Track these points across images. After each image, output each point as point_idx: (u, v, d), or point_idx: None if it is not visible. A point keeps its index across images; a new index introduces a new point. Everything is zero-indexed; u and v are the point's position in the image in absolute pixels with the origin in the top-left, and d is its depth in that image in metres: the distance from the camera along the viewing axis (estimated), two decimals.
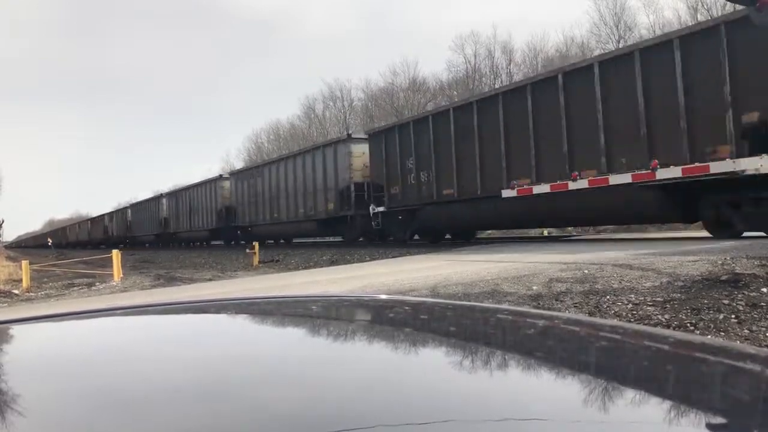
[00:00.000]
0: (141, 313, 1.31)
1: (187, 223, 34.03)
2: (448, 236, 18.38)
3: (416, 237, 18.55)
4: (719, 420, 0.62)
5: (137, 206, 46.61)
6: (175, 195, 37.32)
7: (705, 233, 10.92)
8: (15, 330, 1.12)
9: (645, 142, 10.82)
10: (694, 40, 10.23)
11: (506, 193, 13.37)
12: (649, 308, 4.72)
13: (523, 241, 14.28)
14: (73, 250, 46.46)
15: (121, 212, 51.14)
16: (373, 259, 12.90)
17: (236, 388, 0.69)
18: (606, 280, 5.93)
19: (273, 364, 0.82)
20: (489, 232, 22.25)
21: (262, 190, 25.53)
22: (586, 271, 6.52)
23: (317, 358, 0.85)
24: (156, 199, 40.86)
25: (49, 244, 51.97)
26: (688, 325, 4.20)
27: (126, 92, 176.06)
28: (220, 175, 31.44)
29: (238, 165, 56.78)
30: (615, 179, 11.23)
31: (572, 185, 11.95)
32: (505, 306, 3.27)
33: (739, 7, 8.42)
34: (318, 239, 26.85)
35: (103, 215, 57.96)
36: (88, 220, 65.59)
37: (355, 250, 16.87)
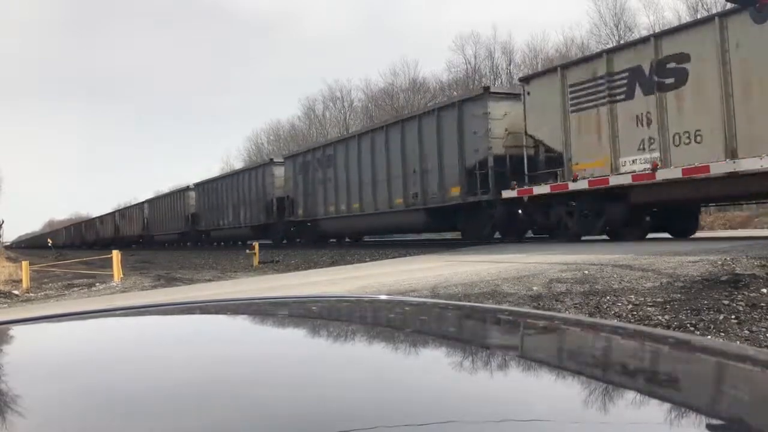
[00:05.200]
0: (141, 314, 1.31)
1: (351, 198, 19.57)
2: None
3: None
4: (719, 420, 0.62)
5: (206, 186, 32.56)
6: (302, 157, 22.87)
7: (704, 233, 10.90)
8: (15, 330, 1.12)
9: None
10: None
11: (506, 194, 13.51)
12: (649, 309, 4.72)
13: (523, 242, 14.27)
14: (76, 251, 46.17)
15: (176, 195, 36.65)
16: (373, 259, 12.91)
17: (236, 388, 0.69)
18: (606, 280, 5.93)
19: (273, 364, 0.82)
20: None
21: None
22: (586, 272, 6.52)
23: (317, 358, 0.85)
24: (261, 169, 25.73)
25: (49, 244, 51.08)
26: (688, 325, 4.20)
27: (126, 92, 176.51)
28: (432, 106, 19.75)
29: (238, 165, 56.47)
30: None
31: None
32: (505, 306, 3.27)
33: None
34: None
35: (142, 203, 44.79)
36: (115, 212, 52.36)
37: (355, 250, 16.87)
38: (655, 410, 0.64)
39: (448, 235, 21.24)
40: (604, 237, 12.50)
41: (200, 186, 33.76)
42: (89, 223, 63.30)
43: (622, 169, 11.23)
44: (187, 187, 35.54)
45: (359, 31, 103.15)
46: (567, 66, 13.04)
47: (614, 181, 11.28)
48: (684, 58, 10.17)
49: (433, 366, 0.82)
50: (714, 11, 19.30)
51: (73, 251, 44.33)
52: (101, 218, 56.78)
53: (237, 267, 15.64)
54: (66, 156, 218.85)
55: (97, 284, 12.38)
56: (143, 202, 44.53)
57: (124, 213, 49.14)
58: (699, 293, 5.03)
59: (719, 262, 6.33)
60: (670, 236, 12.69)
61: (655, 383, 0.75)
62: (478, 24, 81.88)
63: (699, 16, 26.86)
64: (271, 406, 0.63)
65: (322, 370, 0.77)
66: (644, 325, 4.22)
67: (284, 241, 24.45)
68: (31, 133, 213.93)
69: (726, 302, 4.64)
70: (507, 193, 13.48)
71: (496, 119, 14.12)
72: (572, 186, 12.08)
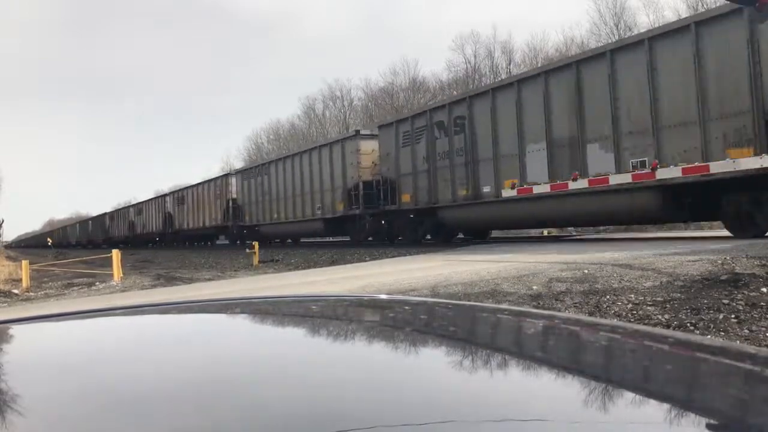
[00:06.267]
0: (140, 313, 1.31)
1: None
2: None
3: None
4: (719, 420, 0.62)
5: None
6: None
7: (704, 233, 10.90)
8: (15, 330, 1.12)
9: None
10: None
11: (506, 193, 13.60)
12: (649, 308, 4.72)
13: (523, 241, 14.29)
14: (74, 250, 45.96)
15: (298, 157, 22.86)
16: (373, 258, 12.90)
17: (236, 388, 0.69)
18: (606, 279, 5.93)
19: (273, 364, 0.82)
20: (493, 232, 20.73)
21: None
22: (586, 271, 6.51)
23: (317, 358, 0.85)
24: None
25: (49, 244, 50.58)
26: (688, 325, 4.20)
27: (126, 92, 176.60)
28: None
29: (238, 165, 56.19)
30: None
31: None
32: (505, 306, 3.27)
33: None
34: None
35: (216, 178, 29.55)
36: (164, 195, 38.16)
37: (355, 249, 16.87)
38: (655, 410, 0.64)
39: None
40: (602, 236, 12.56)
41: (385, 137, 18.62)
42: (116, 214, 50.04)
43: None
44: (354, 134, 20.82)
45: (359, 31, 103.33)
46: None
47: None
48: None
49: (433, 365, 0.81)
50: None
51: (76, 251, 44.14)
52: (137, 206, 43.58)
53: (237, 266, 15.64)
54: (66, 156, 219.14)
55: (97, 283, 12.37)
56: (217, 178, 28.74)
57: (182, 196, 33.34)
58: (699, 292, 5.03)
59: (719, 262, 6.33)
60: (669, 236, 12.68)
61: (654, 383, 0.75)
62: (478, 24, 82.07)
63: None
64: (270, 406, 0.63)
65: (322, 370, 0.77)
66: (644, 324, 4.22)
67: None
68: (31, 133, 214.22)
69: (726, 301, 4.64)
70: (506, 192, 13.70)
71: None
72: (572, 185, 12.15)
